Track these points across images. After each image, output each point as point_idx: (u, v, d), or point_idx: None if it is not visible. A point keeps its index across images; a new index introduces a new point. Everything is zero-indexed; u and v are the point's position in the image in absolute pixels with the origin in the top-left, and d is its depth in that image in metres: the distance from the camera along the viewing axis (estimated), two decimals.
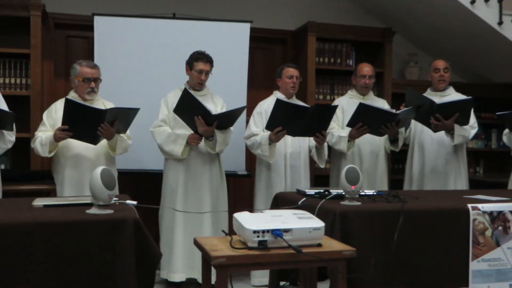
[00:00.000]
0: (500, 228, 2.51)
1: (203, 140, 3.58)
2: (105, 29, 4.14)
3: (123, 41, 4.18)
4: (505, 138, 3.88)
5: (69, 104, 3.09)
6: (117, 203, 2.24)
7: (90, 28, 4.17)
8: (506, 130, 3.83)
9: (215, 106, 3.70)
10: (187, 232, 3.59)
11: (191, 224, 3.63)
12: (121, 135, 3.39)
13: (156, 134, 3.66)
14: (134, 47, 4.19)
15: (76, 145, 3.33)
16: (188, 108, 3.39)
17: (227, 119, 3.52)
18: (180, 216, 3.57)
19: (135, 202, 2.33)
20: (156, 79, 4.17)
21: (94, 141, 3.26)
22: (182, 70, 3.75)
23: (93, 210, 2.09)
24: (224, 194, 3.80)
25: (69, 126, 3.14)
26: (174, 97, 3.60)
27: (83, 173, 3.29)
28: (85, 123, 3.14)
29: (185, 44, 4.05)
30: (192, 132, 3.54)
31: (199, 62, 3.62)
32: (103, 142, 3.35)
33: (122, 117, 3.24)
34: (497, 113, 3.74)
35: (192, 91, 3.49)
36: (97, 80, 3.43)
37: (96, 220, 2.01)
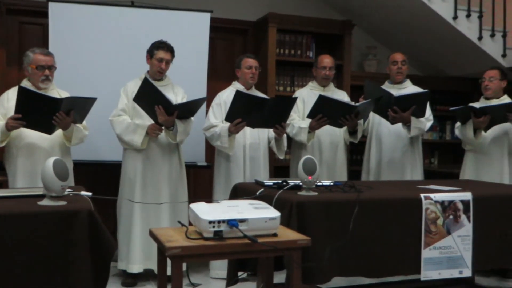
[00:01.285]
0: (451, 217, 2.59)
1: (163, 130, 3.55)
2: (61, 16, 4.02)
3: (79, 28, 4.06)
4: (457, 131, 4.00)
5: (22, 92, 2.99)
6: (71, 195, 2.19)
7: (45, 14, 4.04)
8: (458, 124, 3.95)
9: (176, 96, 3.66)
10: (145, 223, 3.55)
11: (150, 215, 3.60)
12: (77, 125, 3.32)
13: (115, 124, 3.61)
14: (91, 35, 4.09)
15: (30, 135, 3.24)
16: (148, 97, 3.36)
17: (187, 109, 3.50)
18: (138, 207, 3.54)
19: (90, 193, 2.28)
20: (113, 68, 4.08)
21: (49, 130, 3.17)
22: (140, 59, 3.70)
23: (45, 202, 2.04)
24: (183, 185, 3.78)
25: (22, 115, 3.04)
26: (134, 86, 3.56)
27: (37, 164, 3.20)
28: (39, 112, 3.05)
29: (144, 33, 3.99)
30: (152, 122, 3.50)
31: (159, 51, 3.58)
32: (58, 132, 3.27)
33: (79, 107, 3.17)
34: (450, 108, 3.85)
35: (152, 81, 3.45)
36: (51, 68, 3.33)
37: (48, 212, 1.96)
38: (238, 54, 4.70)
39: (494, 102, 3.87)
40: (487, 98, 3.96)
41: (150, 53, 3.62)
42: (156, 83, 3.47)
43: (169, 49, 3.61)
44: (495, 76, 3.91)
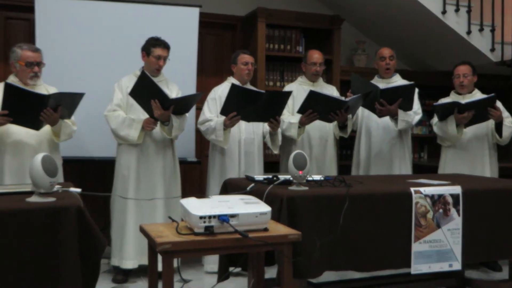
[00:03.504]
0: (440, 210, 2.61)
1: (158, 126, 3.54)
2: (47, 11, 3.97)
3: (66, 24, 4.02)
4: (435, 128, 3.97)
5: (9, 89, 2.95)
6: (60, 191, 2.17)
7: (31, 9, 3.99)
8: (435, 120, 3.94)
9: (170, 92, 3.65)
10: (139, 219, 3.54)
11: (143, 211, 3.59)
12: (66, 120, 3.29)
13: (110, 119, 3.59)
14: (78, 30, 4.04)
15: (17, 131, 3.20)
16: (145, 91, 3.35)
17: (183, 105, 3.49)
18: (131, 202, 3.53)
19: (79, 190, 2.26)
20: (100, 64, 4.04)
21: (37, 126, 3.14)
22: (128, 54, 3.67)
23: (33, 198, 2.02)
24: (177, 181, 3.77)
25: (9, 111, 3.01)
26: (128, 82, 3.56)
27: (25, 160, 3.16)
28: (26, 108, 3.01)
29: (132, 28, 3.96)
30: (147, 116, 3.49)
31: (157, 48, 3.56)
32: (46, 128, 3.24)
33: (67, 102, 3.14)
34: (434, 103, 3.85)
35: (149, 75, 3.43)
36: (40, 64, 3.30)
37: (37, 209, 1.94)
38: (227, 49, 4.69)
39: (468, 97, 3.87)
40: (459, 94, 3.96)
41: (146, 50, 3.59)
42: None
43: (166, 46, 3.60)
44: (468, 72, 3.92)
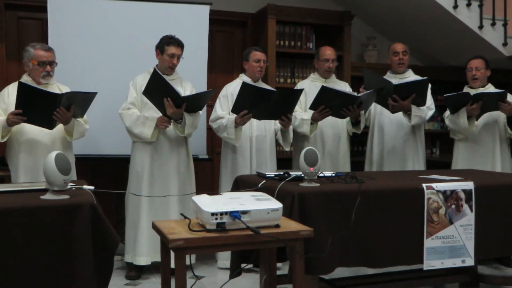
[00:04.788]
0: (453, 206, 2.59)
1: (171, 124, 3.55)
2: (59, 10, 4.00)
3: (78, 23, 4.05)
4: (447, 121, 3.97)
5: (22, 88, 2.99)
6: (73, 189, 2.20)
7: (43, 9, 4.03)
8: (447, 113, 3.93)
9: (184, 90, 3.67)
10: (153, 216, 3.56)
11: (157, 208, 3.61)
12: (78, 119, 3.32)
13: (125, 117, 3.61)
14: (90, 29, 4.08)
15: (31, 130, 3.24)
16: (158, 90, 3.37)
17: (195, 102, 3.50)
18: (145, 199, 3.55)
19: (92, 187, 2.28)
20: (112, 62, 4.07)
21: (50, 125, 3.18)
22: (139, 53, 3.70)
23: (48, 196, 2.04)
24: (191, 178, 3.79)
25: (22, 110, 3.04)
26: (142, 80, 3.58)
27: (38, 159, 3.20)
28: (39, 107, 3.05)
29: (144, 27, 3.98)
30: (161, 114, 3.51)
31: (170, 46, 3.58)
32: (60, 126, 3.28)
33: (79, 101, 3.17)
34: (445, 95, 3.83)
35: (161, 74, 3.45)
36: (52, 63, 3.33)
37: (51, 206, 1.96)
38: (237, 46, 4.70)
39: (481, 90, 3.85)
40: (471, 88, 3.94)
41: (160, 48, 3.61)
42: (165, 77, 3.46)
43: (180, 45, 3.62)
44: (481, 65, 3.90)
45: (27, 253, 1.91)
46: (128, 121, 3.60)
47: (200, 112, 3.64)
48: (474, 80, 3.91)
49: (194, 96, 3.50)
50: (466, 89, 3.98)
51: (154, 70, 3.42)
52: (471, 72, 3.91)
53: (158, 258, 3.58)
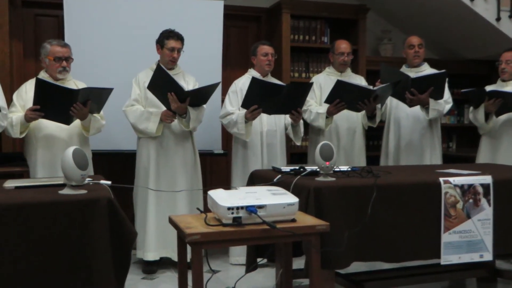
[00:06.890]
0: (470, 200, 2.57)
1: (176, 118, 3.56)
2: (75, 7, 4.03)
3: (94, 19, 4.08)
4: (471, 116, 3.95)
5: (40, 84, 3.03)
6: (90, 183, 2.22)
7: (60, 6, 4.06)
8: (472, 108, 3.90)
9: (187, 84, 3.67)
10: (160, 211, 3.58)
11: (164, 203, 3.63)
12: (95, 115, 3.35)
13: (129, 113, 3.63)
14: (106, 25, 4.10)
15: (48, 126, 3.28)
16: (161, 84, 3.37)
17: (200, 96, 3.50)
18: (152, 195, 3.57)
19: (109, 182, 2.31)
20: (128, 58, 4.09)
21: (67, 121, 3.21)
22: (155, 48, 3.70)
23: (65, 191, 2.06)
24: (197, 172, 3.80)
25: (40, 107, 3.08)
26: (145, 77, 3.59)
27: (56, 154, 3.24)
28: (57, 103, 3.08)
29: (158, 23, 3.97)
30: (165, 109, 3.52)
31: (170, 40, 3.58)
32: (77, 122, 3.31)
33: (96, 97, 3.20)
34: (462, 90, 3.79)
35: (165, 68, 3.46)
36: (68, 59, 3.37)
37: (69, 201, 1.98)
38: (252, 41, 4.68)
39: (511, 84, 3.81)
40: (504, 81, 3.90)
41: (160, 43, 3.62)
42: (168, 72, 3.48)
43: (179, 38, 3.62)
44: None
45: (46, 247, 1.94)
46: (132, 117, 3.61)
47: (204, 106, 3.63)
48: (503, 73, 3.87)
49: (198, 90, 3.49)
50: (498, 82, 3.94)
51: (158, 64, 3.43)
52: (501, 65, 3.88)
53: (166, 254, 3.63)
